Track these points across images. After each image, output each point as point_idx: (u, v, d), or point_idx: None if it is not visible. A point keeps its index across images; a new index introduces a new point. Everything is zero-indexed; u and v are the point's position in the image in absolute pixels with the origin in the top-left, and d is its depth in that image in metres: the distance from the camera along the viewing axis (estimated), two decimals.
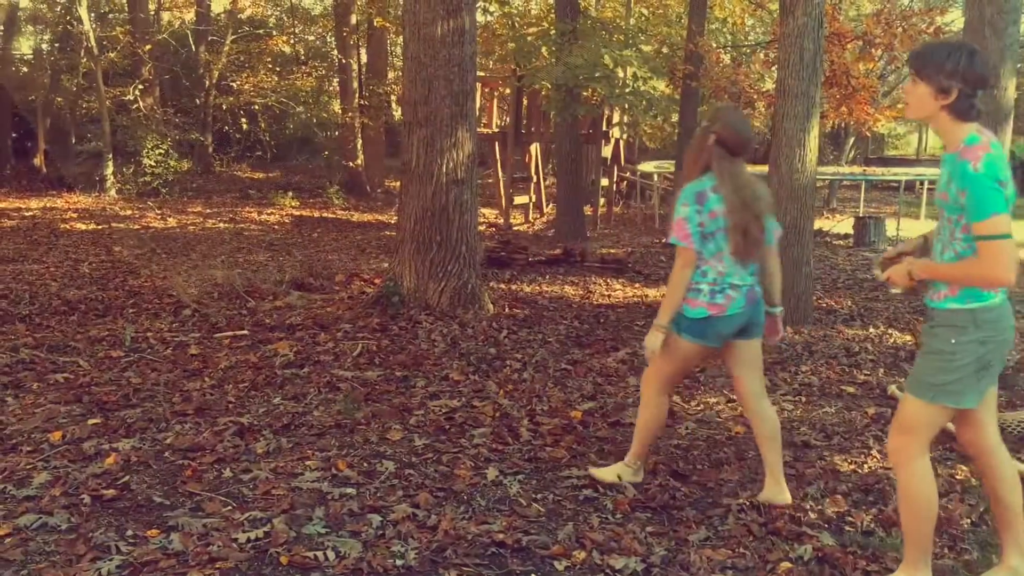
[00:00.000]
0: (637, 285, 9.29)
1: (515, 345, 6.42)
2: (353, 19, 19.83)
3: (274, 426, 4.57)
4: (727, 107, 4.17)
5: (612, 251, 11.57)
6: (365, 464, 4.12)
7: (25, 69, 23.53)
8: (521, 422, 4.76)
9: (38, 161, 20.79)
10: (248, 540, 3.33)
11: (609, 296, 8.62)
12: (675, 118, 14.94)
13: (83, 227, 13.22)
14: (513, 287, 8.75)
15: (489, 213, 16.64)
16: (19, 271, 9.03)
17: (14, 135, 22.01)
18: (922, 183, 17.53)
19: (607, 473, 4.01)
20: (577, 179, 12.91)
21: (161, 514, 3.55)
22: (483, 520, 3.57)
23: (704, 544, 3.41)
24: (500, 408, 4.98)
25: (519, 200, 15.79)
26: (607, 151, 16.57)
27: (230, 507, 3.62)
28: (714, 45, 13.90)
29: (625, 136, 18.90)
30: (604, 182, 16.67)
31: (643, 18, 17.70)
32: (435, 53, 6.79)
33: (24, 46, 25.84)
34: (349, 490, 3.81)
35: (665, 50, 16.06)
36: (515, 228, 14.79)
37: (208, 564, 3.15)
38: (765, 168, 6.96)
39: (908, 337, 6.98)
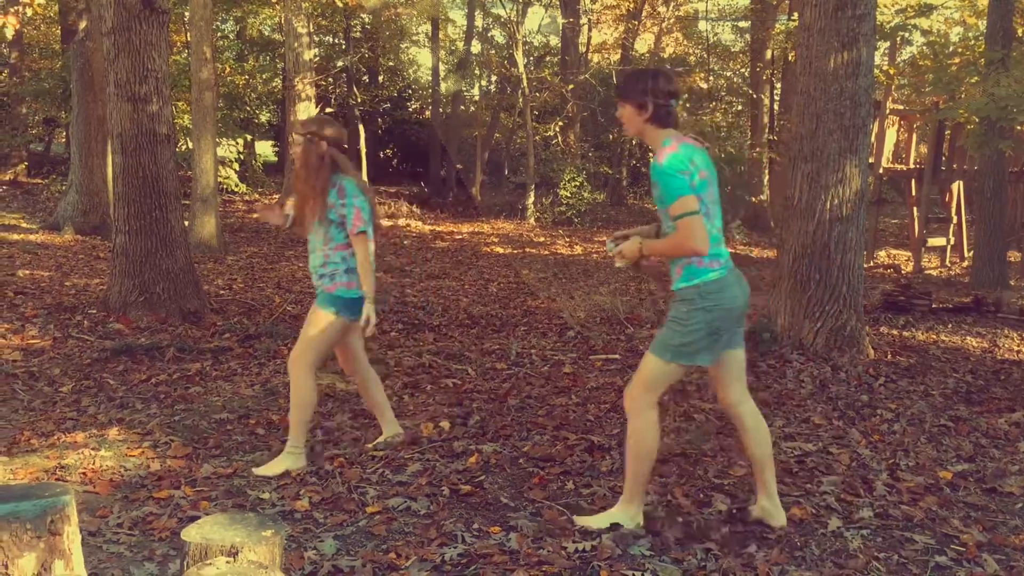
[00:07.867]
0: None
1: (891, 394, 6.01)
2: (768, 54, 19.73)
3: (623, 447, 4.74)
4: (317, 119, 4.45)
5: None
6: (701, 495, 4.14)
7: (472, 108, 26.49)
8: (879, 475, 4.47)
9: (475, 190, 23.24)
10: (576, 550, 3.53)
11: (1018, 352, 7.71)
12: None
13: (500, 251, 14.56)
14: (905, 334, 8.16)
15: (901, 255, 15.62)
16: (439, 287, 10.21)
17: (459, 167, 24.86)
18: None
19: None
20: (1000, 221, 11.67)
21: (505, 514, 3.89)
22: (813, 568, 3.44)
23: None
24: (858, 458, 4.72)
25: (934, 242, 14.62)
26: None
27: (566, 517, 3.85)
28: None
29: None
30: None
31: None
32: (825, 87, 6.61)
33: (474, 87, 29.07)
34: (680, 518, 3.86)
35: None
36: (926, 272, 13.72)
37: (536, 566, 3.39)
38: None
39: None
